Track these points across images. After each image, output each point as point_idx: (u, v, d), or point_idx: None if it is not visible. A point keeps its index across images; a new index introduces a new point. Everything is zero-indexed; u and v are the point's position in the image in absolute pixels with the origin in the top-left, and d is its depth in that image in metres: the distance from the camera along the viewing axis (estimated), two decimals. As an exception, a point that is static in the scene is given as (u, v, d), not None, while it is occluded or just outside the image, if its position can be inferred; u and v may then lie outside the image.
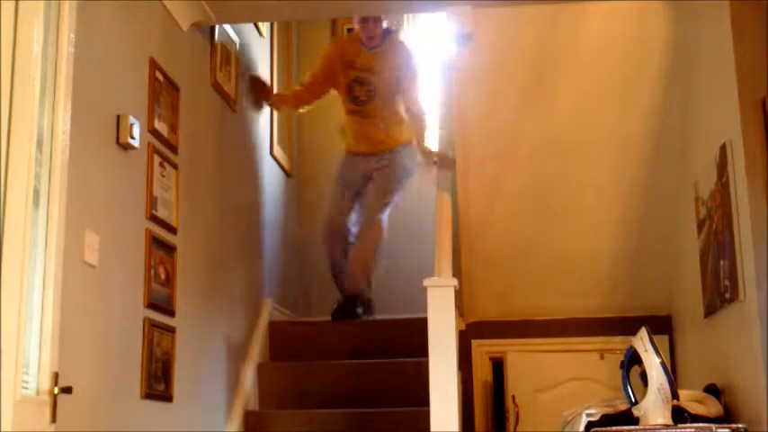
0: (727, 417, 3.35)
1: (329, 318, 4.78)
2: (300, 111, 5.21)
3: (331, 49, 5.10)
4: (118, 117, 3.03)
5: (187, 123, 3.68)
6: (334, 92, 4.98)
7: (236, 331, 4.31)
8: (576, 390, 4.63)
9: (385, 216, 4.83)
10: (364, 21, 4.80)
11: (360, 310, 4.78)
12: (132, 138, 3.07)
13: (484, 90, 4.49)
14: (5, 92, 2.15)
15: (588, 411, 3.37)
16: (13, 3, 2.19)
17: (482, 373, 5.02)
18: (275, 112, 5.21)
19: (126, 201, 3.12)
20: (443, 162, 4.32)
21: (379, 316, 4.88)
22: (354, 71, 4.84)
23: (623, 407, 3.33)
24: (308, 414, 4.23)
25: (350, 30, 6.08)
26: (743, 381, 3.32)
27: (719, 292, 3.52)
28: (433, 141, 4.62)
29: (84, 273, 2.75)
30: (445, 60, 4.63)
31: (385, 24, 4.85)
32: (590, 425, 3.31)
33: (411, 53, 4.89)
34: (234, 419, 4.11)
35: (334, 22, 6.03)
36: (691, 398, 3.36)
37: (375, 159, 4.86)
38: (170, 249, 3.45)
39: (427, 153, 4.54)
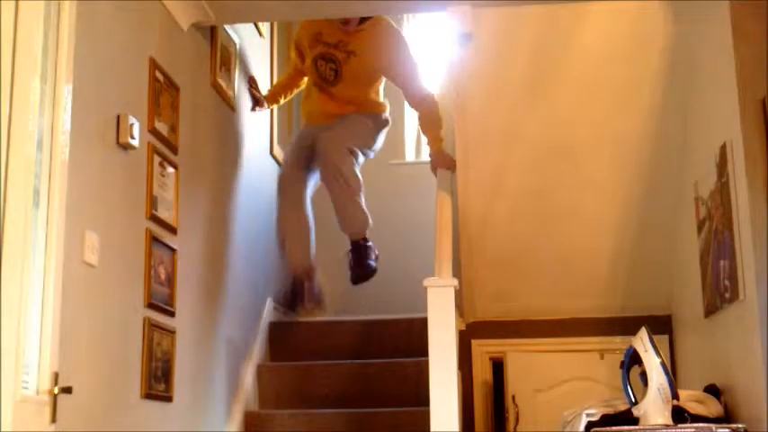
0: (727, 417, 3.35)
1: (329, 318, 4.77)
2: (301, 87, 4.82)
3: (299, 25, 4.62)
4: (118, 117, 3.03)
5: (187, 123, 3.68)
6: None
7: (236, 331, 4.31)
8: (576, 390, 4.62)
9: (353, 167, 4.30)
10: None
11: (373, 262, 4.40)
12: (132, 138, 3.07)
13: (484, 90, 4.48)
14: (5, 92, 2.15)
15: (588, 411, 3.38)
16: (13, 3, 2.19)
17: (482, 373, 5.01)
18: (275, 112, 5.20)
19: (126, 201, 3.12)
20: (446, 164, 4.25)
21: (379, 316, 4.88)
22: (320, 46, 4.37)
23: (623, 407, 3.33)
24: (308, 414, 4.23)
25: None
26: (743, 381, 3.32)
27: (719, 292, 3.52)
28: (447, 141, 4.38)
29: (84, 273, 2.75)
30: (445, 60, 4.63)
31: None
32: (590, 425, 3.31)
33: (401, 35, 4.45)
34: (234, 419, 4.11)
35: (334, 22, 6.03)
36: (691, 398, 3.36)
37: (329, 125, 4.45)
38: (170, 249, 3.45)
39: (441, 158, 4.29)
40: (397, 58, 4.36)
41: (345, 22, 4.28)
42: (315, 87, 4.55)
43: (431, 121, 4.41)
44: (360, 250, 4.40)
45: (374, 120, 4.52)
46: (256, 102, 4.69)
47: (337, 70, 4.33)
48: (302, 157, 4.54)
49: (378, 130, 4.55)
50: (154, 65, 3.34)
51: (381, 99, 4.64)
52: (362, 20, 4.33)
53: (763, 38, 3.21)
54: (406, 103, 5.98)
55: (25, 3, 2.22)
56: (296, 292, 4.46)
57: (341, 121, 4.40)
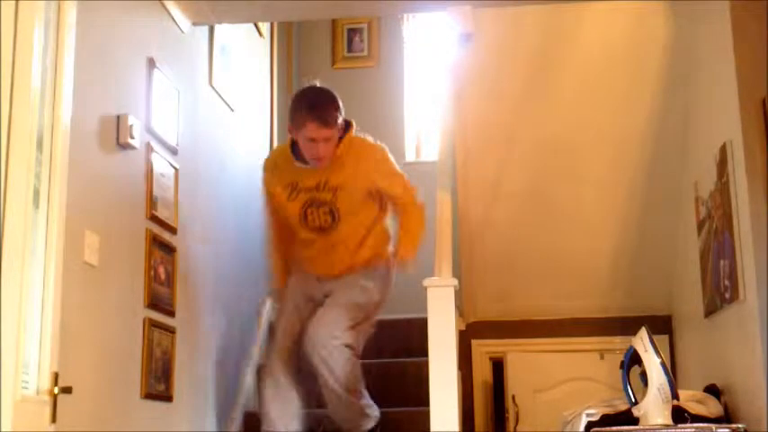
0: (727, 417, 3.35)
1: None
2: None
3: (264, 176, 3.73)
4: (118, 117, 3.04)
5: (187, 123, 3.68)
6: None
7: (237, 331, 4.31)
8: (576, 390, 4.62)
9: (352, 340, 3.49)
10: (313, 139, 3.39)
11: None
12: (132, 138, 3.07)
13: (484, 90, 4.48)
14: (5, 92, 2.15)
15: (588, 411, 3.37)
16: (13, 3, 2.19)
17: (482, 373, 5.01)
18: (275, 112, 5.20)
19: (126, 201, 3.12)
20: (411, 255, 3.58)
21: (379, 316, 4.87)
22: (302, 194, 3.56)
23: (623, 407, 3.33)
24: (308, 414, 4.23)
25: (350, 30, 6.09)
26: (743, 381, 3.32)
27: (719, 292, 3.52)
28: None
29: (85, 273, 2.75)
30: (445, 61, 4.63)
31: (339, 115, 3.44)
32: (590, 425, 3.31)
33: (376, 148, 3.63)
34: (234, 420, 4.11)
35: (334, 22, 6.04)
36: (691, 398, 3.36)
37: (333, 282, 3.65)
38: (170, 249, 3.45)
39: (406, 265, 3.57)
40: (378, 172, 3.60)
41: (317, 158, 3.48)
42: (302, 240, 3.69)
43: (419, 224, 3.65)
44: None
45: (378, 276, 3.70)
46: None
47: (333, 213, 3.55)
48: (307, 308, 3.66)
49: (386, 284, 3.74)
50: (153, 65, 3.34)
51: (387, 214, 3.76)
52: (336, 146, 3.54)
53: (763, 38, 3.21)
54: (405, 103, 6.04)
55: (25, 3, 2.22)
56: None
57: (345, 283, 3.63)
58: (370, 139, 3.64)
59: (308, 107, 3.40)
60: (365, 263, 3.66)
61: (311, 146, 3.42)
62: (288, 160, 3.56)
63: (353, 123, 3.58)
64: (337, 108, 3.42)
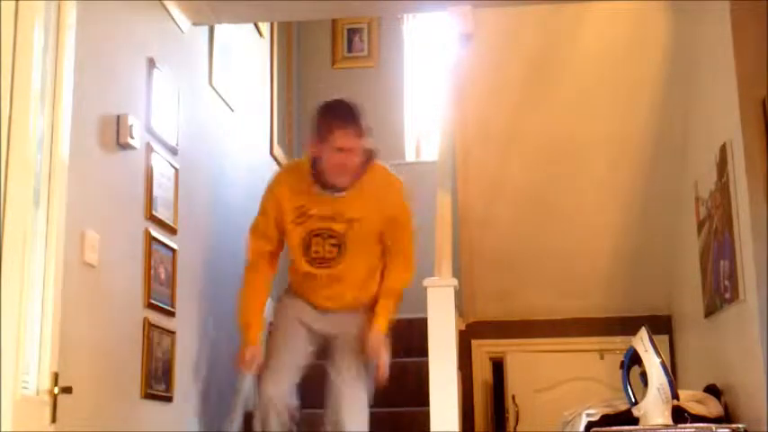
0: (727, 417, 3.35)
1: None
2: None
3: (273, 188, 3.49)
4: (118, 117, 3.04)
5: (187, 123, 3.68)
6: None
7: (236, 331, 4.30)
8: (575, 390, 4.63)
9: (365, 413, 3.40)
10: (341, 149, 3.24)
11: None
12: (132, 138, 3.07)
13: (484, 90, 4.49)
14: (5, 92, 2.15)
15: (588, 411, 3.38)
16: (13, 3, 2.19)
17: (482, 373, 5.02)
18: (275, 112, 5.20)
19: (126, 201, 3.12)
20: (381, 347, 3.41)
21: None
22: (311, 221, 3.35)
23: (623, 407, 3.33)
24: (309, 414, 4.23)
25: (350, 30, 6.09)
26: (743, 381, 3.32)
27: (719, 292, 3.53)
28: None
29: (84, 273, 2.75)
30: (445, 61, 4.63)
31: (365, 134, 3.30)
32: (590, 425, 3.31)
33: (400, 183, 3.45)
34: (234, 420, 4.11)
35: (334, 22, 6.04)
36: (691, 398, 3.36)
37: (336, 317, 3.48)
38: (170, 249, 3.45)
39: (382, 338, 3.42)
40: (396, 215, 3.43)
41: (333, 186, 3.33)
42: (300, 272, 3.49)
43: (398, 295, 3.51)
44: None
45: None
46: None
47: (340, 245, 3.36)
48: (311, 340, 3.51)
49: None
50: (153, 65, 3.34)
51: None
52: (360, 171, 3.37)
53: (763, 38, 3.21)
54: (405, 103, 6.03)
55: (25, 3, 2.22)
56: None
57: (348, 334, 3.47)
58: (389, 169, 3.47)
59: (338, 116, 3.30)
60: (372, 299, 3.47)
61: (339, 157, 3.24)
62: (303, 180, 3.36)
63: (377, 152, 3.42)
64: (364, 119, 3.32)
